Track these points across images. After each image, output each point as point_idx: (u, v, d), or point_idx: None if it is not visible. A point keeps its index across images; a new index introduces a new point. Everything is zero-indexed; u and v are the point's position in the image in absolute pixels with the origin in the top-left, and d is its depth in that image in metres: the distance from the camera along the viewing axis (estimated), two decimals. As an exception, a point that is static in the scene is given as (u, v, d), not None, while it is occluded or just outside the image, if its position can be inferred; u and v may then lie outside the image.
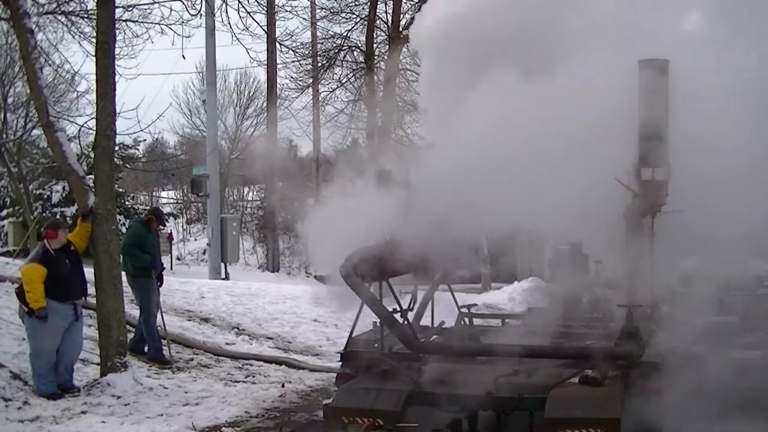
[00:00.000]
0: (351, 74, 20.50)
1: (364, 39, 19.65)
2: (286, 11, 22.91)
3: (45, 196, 25.41)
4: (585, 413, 4.99)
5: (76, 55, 71.93)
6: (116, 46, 9.23)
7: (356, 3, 19.96)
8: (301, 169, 27.78)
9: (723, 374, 6.08)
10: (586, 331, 6.89)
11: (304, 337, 12.11)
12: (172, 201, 38.00)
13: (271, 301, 14.16)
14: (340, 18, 20.45)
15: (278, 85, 24.35)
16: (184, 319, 12.10)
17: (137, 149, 29.76)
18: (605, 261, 7.59)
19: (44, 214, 23.05)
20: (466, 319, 7.76)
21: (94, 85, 8.95)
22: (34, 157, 25.56)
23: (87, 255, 8.80)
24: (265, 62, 23.59)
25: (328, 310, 12.19)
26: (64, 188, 23.97)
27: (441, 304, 7.45)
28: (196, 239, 33.97)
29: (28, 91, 15.33)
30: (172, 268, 25.29)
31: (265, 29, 16.61)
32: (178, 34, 11.35)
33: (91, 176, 9.55)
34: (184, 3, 10.43)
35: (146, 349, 9.93)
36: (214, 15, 12.17)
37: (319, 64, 20.96)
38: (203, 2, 11.11)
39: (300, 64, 21.00)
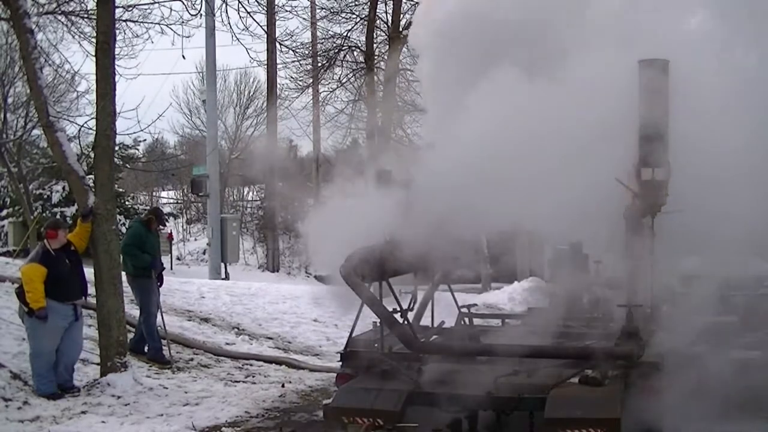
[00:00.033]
0: (351, 74, 20.50)
1: (364, 39, 19.66)
2: (286, 11, 22.92)
3: (45, 196, 25.42)
4: (585, 413, 4.98)
5: (76, 55, 71.95)
6: (116, 46, 9.24)
7: (356, 3, 19.97)
8: (301, 169, 27.80)
9: (723, 374, 6.08)
10: (586, 331, 6.89)
11: (304, 337, 12.11)
12: (172, 201, 38.00)
13: (271, 301, 14.16)
14: (340, 18, 20.46)
15: (278, 85, 24.39)
16: (184, 319, 12.10)
17: (137, 149, 29.82)
18: (605, 261, 7.59)
19: (44, 214, 23.05)
20: (466, 319, 7.76)
21: (94, 85, 8.96)
22: (34, 157, 25.56)
23: (87, 255, 8.80)
24: (265, 62, 23.61)
25: (328, 310, 12.19)
26: (64, 188, 23.98)
27: (441, 304, 7.45)
28: (196, 239, 33.97)
29: (28, 91, 15.33)
30: (172, 268, 25.29)
31: (265, 29, 16.61)
32: (178, 34, 11.36)
33: (91, 176, 9.55)
34: (184, 3, 10.44)
35: (146, 349, 9.93)
36: (214, 15, 12.18)
37: (319, 64, 20.97)
38: (203, 2, 11.12)
39: (300, 64, 21.02)
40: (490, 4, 6.38)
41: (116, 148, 12.01)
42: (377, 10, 19.08)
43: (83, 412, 7.81)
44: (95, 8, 9.39)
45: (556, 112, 5.61)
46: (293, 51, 18.65)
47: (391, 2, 18.96)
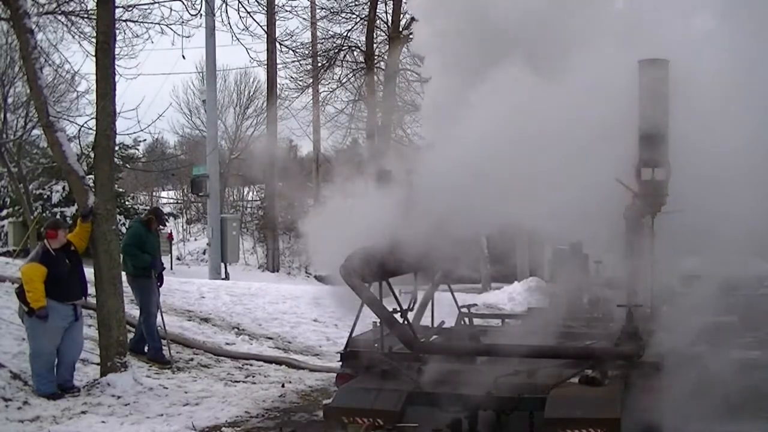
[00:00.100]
0: (351, 74, 20.52)
1: (364, 39, 19.68)
2: (286, 11, 23.02)
3: (45, 196, 25.42)
4: (585, 413, 4.98)
5: (76, 55, 72.12)
6: (116, 46, 9.24)
7: (356, 3, 19.99)
8: (301, 169, 27.81)
9: (723, 374, 6.08)
10: (586, 331, 6.89)
11: (304, 337, 12.11)
12: (172, 201, 38.00)
13: (271, 301, 14.16)
14: (340, 18, 20.49)
15: (278, 85, 24.41)
16: (184, 319, 12.10)
17: (137, 149, 29.82)
18: (605, 261, 7.59)
19: (44, 214, 23.05)
20: (466, 319, 7.75)
21: (94, 85, 8.96)
22: (34, 157, 25.57)
23: (87, 255, 8.80)
24: (265, 62, 23.63)
25: (328, 310, 12.20)
26: (64, 188, 23.98)
27: (441, 304, 7.45)
28: (196, 239, 33.96)
29: (28, 91, 15.34)
30: (172, 268, 25.29)
31: (265, 29, 16.62)
32: (178, 34, 11.37)
33: (91, 176, 9.55)
34: (184, 3, 10.45)
35: (146, 349, 9.93)
36: (214, 15, 12.20)
37: (319, 64, 20.98)
38: (203, 2, 11.13)
39: (300, 64, 21.05)
40: (491, 4, 6.37)
41: (116, 148, 12.02)
42: (377, 10, 19.11)
43: (83, 412, 7.81)
44: (95, 8, 9.39)
45: (556, 112, 5.61)
46: (293, 51, 18.69)
47: (391, 2, 18.98)
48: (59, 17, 11.67)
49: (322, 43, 21.61)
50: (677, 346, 5.85)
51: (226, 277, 21.32)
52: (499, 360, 5.87)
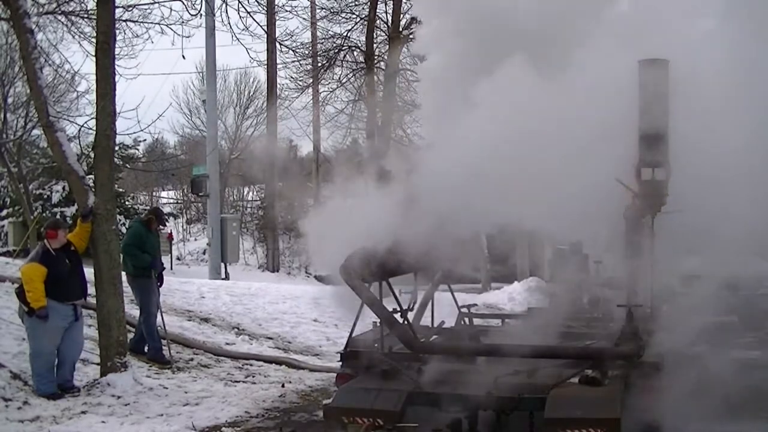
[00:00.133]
0: (351, 74, 20.52)
1: (364, 39, 19.69)
2: (286, 11, 23.04)
3: (45, 196, 25.42)
4: (585, 413, 4.98)
5: (76, 55, 72.11)
6: (116, 46, 9.24)
7: (356, 3, 20.00)
8: (301, 169, 27.81)
9: (723, 374, 6.08)
10: (586, 331, 6.89)
11: (304, 337, 12.11)
12: (172, 201, 38.01)
13: (271, 301, 14.16)
14: (340, 18, 20.50)
15: (278, 85, 24.42)
16: (184, 319, 12.10)
17: (137, 149, 29.82)
18: (605, 261, 7.59)
19: (44, 214, 23.05)
20: (466, 319, 7.76)
21: (94, 85, 8.95)
22: (34, 157, 25.57)
23: (87, 255, 8.80)
24: (265, 62, 23.63)
25: (328, 310, 12.20)
26: (64, 188, 23.98)
27: (441, 304, 7.45)
28: (196, 239, 33.97)
29: (28, 91, 15.34)
30: (172, 268, 25.29)
31: (265, 29, 16.63)
32: (178, 34, 11.39)
33: (91, 176, 9.55)
34: (184, 3, 10.46)
35: (146, 349, 9.93)
36: (214, 15, 12.21)
37: (319, 64, 20.99)
38: (203, 2, 11.14)
39: (300, 64, 21.06)
40: (492, 4, 6.38)
41: (116, 148, 12.02)
42: (377, 10, 19.11)
43: (83, 412, 7.81)
44: (95, 8, 9.39)
45: (556, 112, 5.61)
46: (293, 51, 18.70)
47: (391, 2, 18.99)
48: (59, 17, 11.68)
49: (322, 43, 21.62)
50: (677, 346, 5.85)
51: (226, 277, 21.33)
52: (499, 360, 5.87)
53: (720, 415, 5.96)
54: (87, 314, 9.39)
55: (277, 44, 19.81)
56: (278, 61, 23.69)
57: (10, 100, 21.76)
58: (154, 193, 39.69)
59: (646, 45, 5.67)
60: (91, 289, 8.92)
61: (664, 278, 6.00)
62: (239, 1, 11.82)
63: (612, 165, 5.64)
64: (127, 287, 9.69)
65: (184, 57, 25.93)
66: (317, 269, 23.76)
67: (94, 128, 9.03)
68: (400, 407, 5.41)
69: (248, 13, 12.43)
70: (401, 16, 18.65)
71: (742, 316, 7.58)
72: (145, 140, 30.03)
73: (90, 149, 11.61)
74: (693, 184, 5.70)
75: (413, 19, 17.49)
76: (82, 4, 11.51)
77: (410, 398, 5.51)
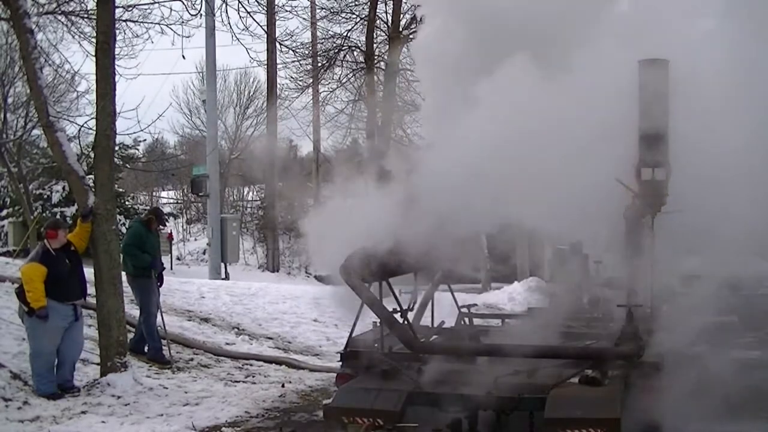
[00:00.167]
0: (351, 74, 20.52)
1: (364, 39, 19.69)
2: (286, 11, 23.03)
3: (45, 196, 25.42)
4: (585, 413, 4.98)
5: (76, 55, 72.09)
6: (116, 46, 9.24)
7: (356, 3, 20.00)
8: (301, 169, 27.82)
9: (723, 374, 6.08)
10: (586, 331, 6.89)
11: (304, 337, 12.11)
12: (172, 201, 38.00)
13: (271, 301, 14.16)
14: (340, 18, 20.50)
15: (278, 85, 24.42)
16: (184, 319, 12.10)
17: (137, 149, 29.82)
18: (605, 261, 7.59)
19: (44, 214, 23.05)
20: (466, 319, 7.76)
21: (94, 85, 8.96)
22: (34, 157, 25.57)
23: (87, 255, 8.80)
24: (265, 62, 23.63)
25: (328, 310, 12.20)
26: (64, 188, 23.98)
27: (441, 304, 7.45)
28: (196, 239, 33.96)
29: (28, 91, 15.34)
30: (172, 268, 25.29)
31: (265, 29, 16.63)
32: (178, 34, 11.39)
33: (91, 176, 9.55)
34: (184, 3, 10.45)
35: (146, 349, 9.93)
36: (214, 15, 12.20)
37: (319, 64, 20.99)
38: (203, 2, 11.14)
39: (300, 64, 21.06)
40: (492, 3, 6.37)
41: (116, 148, 12.02)
42: (377, 10, 19.11)
43: (83, 412, 7.81)
44: (95, 8, 9.39)
45: (556, 112, 5.61)
46: (293, 51, 18.70)
47: (391, 2, 18.99)
48: (59, 17, 11.68)
49: (322, 43, 21.62)
50: (677, 346, 5.85)
51: (226, 277, 21.33)
52: (499, 360, 5.87)
53: (720, 415, 5.96)
54: (87, 314, 9.39)
55: (277, 44, 19.82)
56: (278, 61, 23.72)
57: (10, 100, 21.77)
58: (154, 193, 39.69)
59: (646, 45, 5.67)
60: (91, 289, 8.93)
61: (664, 278, 6.00)
62: (239, 1, 11.83)
63: (612, 165, 5.64)
64: (127, 287, 9.69)
65: (184, 57, 25.98)
66: (317, 269, 23.77)
67: (94, 128, 9.03)
68: (400, 407, 5.41)
69: (248, 13, 12.43)
70: (401, 16, 18.66)
71: (742, 316, 7.58)
72: (145, 140, 30.09)
73: (90, 149, 11.61)
74: (693, 184, 5.70)
75: (413, 19, 17.52)
76: (82, 4, 11.53)
77: (410, 398, 5.51)
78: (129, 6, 11.26)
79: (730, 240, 5.87)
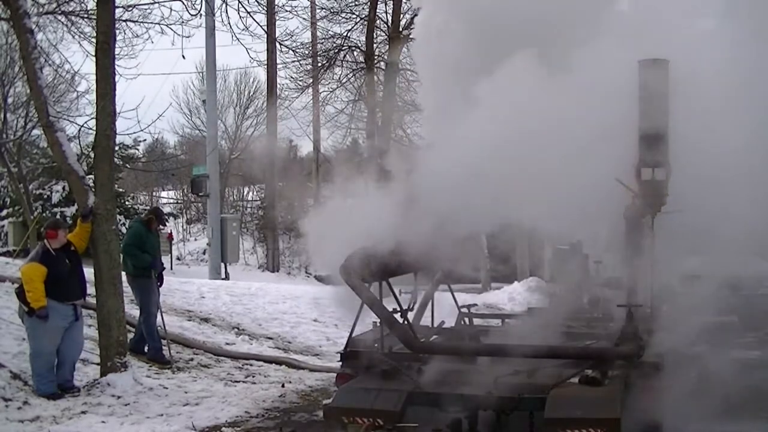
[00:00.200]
0: (351, 74, 20.53)
1: (364, 39, 19.70)
2: (286, 11, 23.05)
3: (45, 196, 25.42)
4: (585, 413, 4.98)
5: (76, 55, 72.13)
6: (116, 46, 9.24)
7: (356, 3, 20.01)
8: (301, 169, 27.83)
9: (723, 374, 6.08)
10: (587, 331, 6.89)
11: (304, 337, 12.11)
12: (172, 201, 38.01)
13: (271, 301, 14.16)
14: (340, 18, 20.51)
15: (278, 85, 24.43)
16: (184, 319, 12.11)
17: (137, 149, 29.83)
18: (605, 261, 7.59)
19: (44, 214, 23.06)
20: (466, 319, 7.76)
21: (94, 85, 8.96)
22: (34, 157, 25.57)
23: (87, 255, 8.80)
24: (265, 62, 23.63)
25: (328, 310, 12.20)
26: (64, 188, 23.99)
27: (441, 304, 7.45)
28: (196, 239, 33.97)
29: (28, 91, 15.34)
30: (172, 268, 25.29)
31: (265, 29, 16.63)
32: (178, 34, 11.39)
33: (91, 176, 9.55)
34: (184, 3, 10.45)
35: (146, 349, 9.93)
36: (214, 15, 12.21)
37: (319, 64, 20.99)
38: (203, 2, 11.14)
39: (300, 64, 21.07)
40: (492, 3, 6.37)
41: (116, 148, 12.02)
42: (377, 10, 19.12)
43: (83, 412, 7.81)
44: (95, 8, 9.39)
45: (556, 112, 5.61)
46: (293, 51, 18.71)
47: (391, 2, 19.00)
48: (59, 17, 11.68)
49: (322, 43, 21.63)
50: (677, 346, 5.85)
51: (226, 277, 21.33)
52: (499, 360, 5.87)
53: (720, 415, 5.96)
54: (87, 314, 9.39)
55: (277, 44, 19.82)
56: (278, 61, 23.73)
57: (10, 100, 21.77)
58: (154, 193, 39.70)
59: (646, 45, 5.67)
60: (91, 289, 8.92)
61: (664, 278, 6.00)
62: (239, 1, 11.83)
63: (612, 165, 5.64)
64: (127, 287, 9.70)
65: (184, 57, 26.05)
66: (317, 269, 23.78)
67: (94, 128, 9.03)
68: (400, 407, 5.41)
69: (248, 13, 12.44)
70: (401, 16, 18.66)
71: (742, 316, 7.58)
72: (145, 140, 30.11)
73: (90, 149, 11.61)
74: (693, 184, 5.70)
75: (413, 19, 17.51)
76: (82, 4, 11.53)
77: (410, 398, 5.51)
78: (129, 6, 11.28)
79: (730, 240, 5.87)
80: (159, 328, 10.06)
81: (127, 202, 27.67)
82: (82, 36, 11.81)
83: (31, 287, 8.10)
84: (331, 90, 21.59)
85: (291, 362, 10.37)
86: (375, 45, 19.50)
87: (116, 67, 9.07)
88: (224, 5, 11.47)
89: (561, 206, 5.56)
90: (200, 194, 22.49)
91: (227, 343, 11.22)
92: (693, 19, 5.94)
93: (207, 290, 14.40)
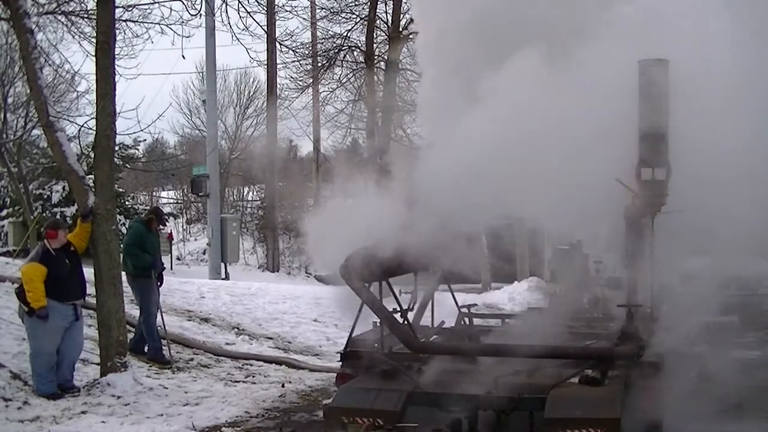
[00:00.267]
0: (351, 74, 20.52)
1: (364, 39, 19.68)
2: (286, 11, 23.00)
3: (45, 196, 25.42)
4: (585, 413, 4.98)
5: (76, 55, 71.96)
6: (116, 46, 9.23)
7: (356, 3, 20.00)
8: (301, 169, 27.84)
9: (723, 374, 6.09)
10: (586, 331, 6.89)
11: (304, 337, 12.11)
12: (172, 201, 38.00)
13: (271, 301, 14.16)
14: (340, 18, 20.50)
15: (278, 85, 24.41)
16: (184, 319, 12.10)
17: (137, 149, 29.82)
18: (605, 261, 7.59)
19: (44, 214, 23.06)
20: (466, 319, 7.75)
21: (94, 85, 8.95)
22: (34, 157, 25.57)
23: (87, 255, 8.80)
24: (265, 62, 23.62)
25: (328, 310, 12.21)
26: (64, 188, 23.98)
27: (441, 304, 7.44)
28: (196, 239, 33.96)
29: (28, 91, 15.35)
30: (172, 268, 25.28)
31: (265, 29, 16.62)
32: (178, 34, 11.37)
33: (91, 176, 9.55)
34: (184, 3, 10.45)
35: (146, 349, 9.93)
36: (214, 15, 12.21)
37: (319, 64, 20.98)
38: (203, 2, 11.14)
39: (300, 64, 21.05)
40: (492, 3, 6.37)
41: (116, 148, 12.02)
42: (377, 10, 19.11)
43: (83, 412, 7.81)
44: (95, 8, 9.39)
45: (556, 112, 5.61)
46: (293, 51, 18.69)
47: (391, 2, 18.98)
48: (59, 17, 11.67)
49: (322, 43, 21.62)
50: (677, 346, 5.85)
51: (226, 277, 21.33)
52: (499, 360, 5.87)
53: (720, 415, 5.96)
54: (87, 314, 9.39)
55: (277, 44, 19.81)
56: (278, 61, 23.72)
57: (10, 100, 21.78)
58: (154, 193, 39.68)
59: (646, 45, 5.67)
60: (91, 289, 8.92)
61: (664, 278, 6.00)
62: (239, 1, 11.82)
63: (612, 165, 5.64)
64: (127, 287, 9.69)
65: (184, 57, 26.04)
66: (317, 269, 23.79)
67: (94, 128, 9.03)
68: (400, 407, 5.41)
69: (248, 13, 12.42)
70: (401, 16, 18.64)
71: (742, 316, 7.58)
72: (145, 140, 30.09)
73: (90, 149, 11.61)
74: (693, 184, 5.70)
75: (413, 19, 17.51)
76: (82, 4, 11.52)
77: (410, 398, 5.51)
78: (129, 6, 11.27)
79: (730, 240, 5.87)
80: (159, 328, 10.06)
81: (127, 202, 27.67)
82: (82, 36, 11.82)
83: (31, 287, 8.10)
84: (331, 90, 21.60)
85: (291, 362, 10.37)
86: (375, 45, 19.49)
87: (116, 67, 9.07)
88: (224, 5, 11.49)
89: (561, 206, 5.56)
90: (200, 194, 22.49)
91: (227, 343, 11.22)
92: (693, 19, 5.94)
93: (207, 290, 14.40)
